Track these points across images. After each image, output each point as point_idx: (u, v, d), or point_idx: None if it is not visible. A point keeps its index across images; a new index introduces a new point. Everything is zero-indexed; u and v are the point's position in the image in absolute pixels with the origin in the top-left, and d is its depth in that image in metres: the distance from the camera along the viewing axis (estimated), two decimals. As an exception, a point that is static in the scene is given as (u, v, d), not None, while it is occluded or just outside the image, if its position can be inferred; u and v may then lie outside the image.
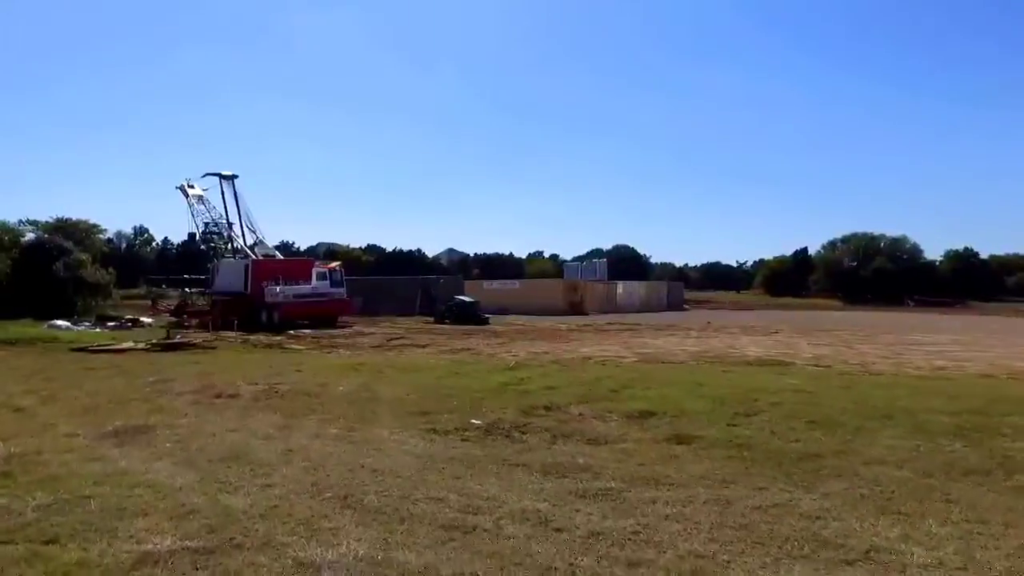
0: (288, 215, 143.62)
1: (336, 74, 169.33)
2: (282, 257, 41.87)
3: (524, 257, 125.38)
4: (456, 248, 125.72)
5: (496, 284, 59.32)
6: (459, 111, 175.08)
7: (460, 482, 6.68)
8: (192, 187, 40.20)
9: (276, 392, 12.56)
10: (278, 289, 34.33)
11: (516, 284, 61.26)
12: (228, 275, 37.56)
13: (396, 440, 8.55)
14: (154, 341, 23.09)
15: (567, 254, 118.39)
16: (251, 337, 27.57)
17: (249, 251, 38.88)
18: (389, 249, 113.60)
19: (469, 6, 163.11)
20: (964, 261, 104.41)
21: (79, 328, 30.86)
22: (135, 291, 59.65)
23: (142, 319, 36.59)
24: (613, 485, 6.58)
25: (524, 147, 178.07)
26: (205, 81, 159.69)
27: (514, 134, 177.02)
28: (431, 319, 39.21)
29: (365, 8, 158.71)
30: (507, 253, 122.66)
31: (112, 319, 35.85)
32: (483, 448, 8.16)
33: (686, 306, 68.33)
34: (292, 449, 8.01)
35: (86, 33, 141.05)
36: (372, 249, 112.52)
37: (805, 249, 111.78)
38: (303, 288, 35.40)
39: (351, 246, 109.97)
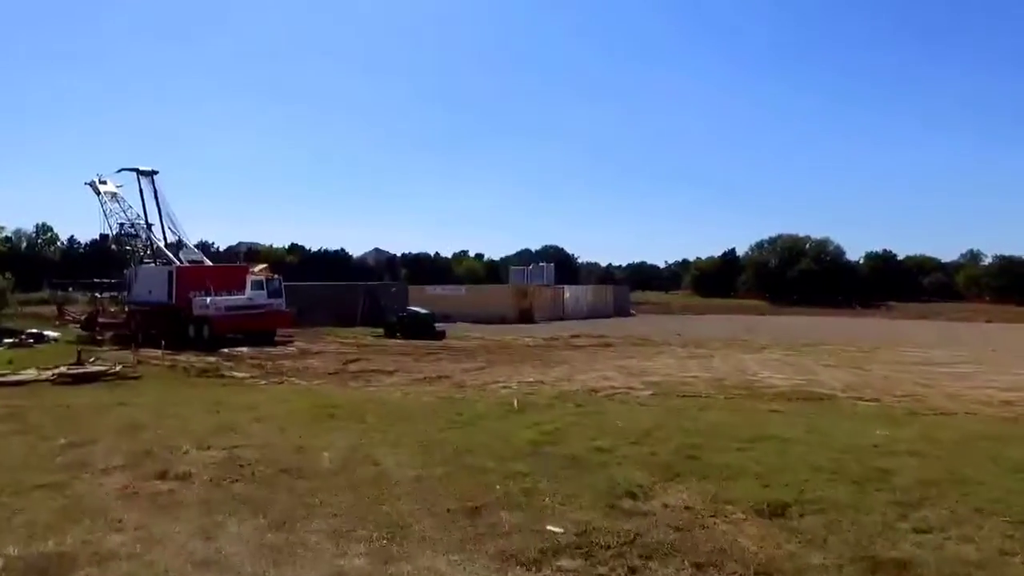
0: (205, 212, 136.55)
1: (257, 66, 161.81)
2: (209, 262, 37.31)
3: (450, 256, 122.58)
4: (382, 248, 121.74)
5: (440, 289, 56.01)
6: (385, 108, 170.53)
7: None
8: (104, 183, 35.49)
9: (241, 467, 9.20)
10: (208, 300, 30.32)
11: (462, 290, 57.93)
12: (149, 283, 33.19)
13: (469, 586, 5.47)
14: (63, 370, 19.07)
15: (493, 253, 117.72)
16: (180, 358, 23.77)
17: (171, 255, 34.48)
18: (313, 249, 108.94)
19: (399, 2, 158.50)
20: (883, 262, 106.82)
21: (-33, 347, 26.37)
22: (37, 295, 54.14)
23: (47, 333, 31.82)
24: None
25: (448, 145, 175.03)
26: (115, 70, 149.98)
27: (439, 132, 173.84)
28: (379, 331, 35.73)
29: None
30: (433, 253, 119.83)
31: (10, 334, 30.98)
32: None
33: (632, 311, 66.56)
34: (317, 624, 4.85)
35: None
36: (295, 249, 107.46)
37: (733, 250, 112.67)
38: (237, 299, 31.39)
39: (273, 245, 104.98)
